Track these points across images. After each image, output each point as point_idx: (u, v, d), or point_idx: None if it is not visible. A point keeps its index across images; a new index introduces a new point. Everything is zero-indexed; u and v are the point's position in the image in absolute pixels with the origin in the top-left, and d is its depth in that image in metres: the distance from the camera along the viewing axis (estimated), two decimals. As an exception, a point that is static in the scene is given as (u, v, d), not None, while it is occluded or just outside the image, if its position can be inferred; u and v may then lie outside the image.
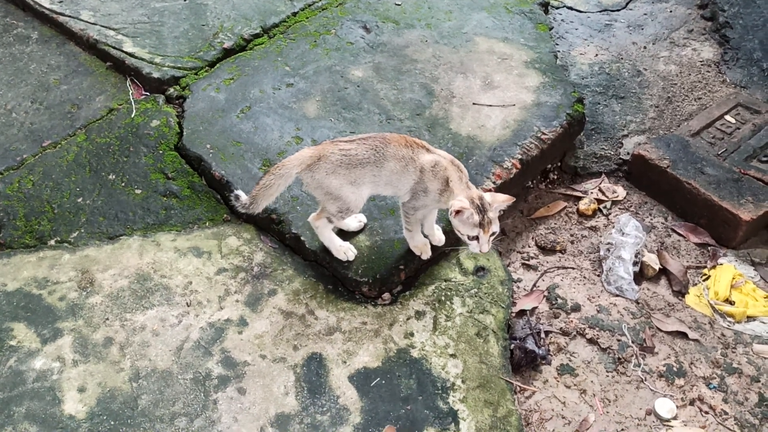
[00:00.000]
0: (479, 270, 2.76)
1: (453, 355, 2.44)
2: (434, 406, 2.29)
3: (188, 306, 2.52)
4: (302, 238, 2.68)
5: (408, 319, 2.54)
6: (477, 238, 2.29)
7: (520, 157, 2.98)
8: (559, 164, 3.36)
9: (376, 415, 2.25)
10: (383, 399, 2.29)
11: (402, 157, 2.36)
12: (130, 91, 3.37)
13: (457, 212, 2.25)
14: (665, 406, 2.46)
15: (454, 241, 2.71)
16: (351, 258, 2.60)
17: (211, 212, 2.88)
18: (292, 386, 2.31)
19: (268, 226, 2.78)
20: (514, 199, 2.35)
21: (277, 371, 2.35)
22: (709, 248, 3.03)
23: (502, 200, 2.31)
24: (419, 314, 2.55)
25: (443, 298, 2.62)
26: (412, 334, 2.49)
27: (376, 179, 2.41)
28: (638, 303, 2.81)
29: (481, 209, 2.25)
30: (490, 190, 2.85)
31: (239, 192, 2.52)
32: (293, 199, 2.78)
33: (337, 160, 2.36)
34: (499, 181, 2.89)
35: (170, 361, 2.36)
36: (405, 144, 2.37)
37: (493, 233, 2.30)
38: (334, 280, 2.65)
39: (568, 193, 3.27)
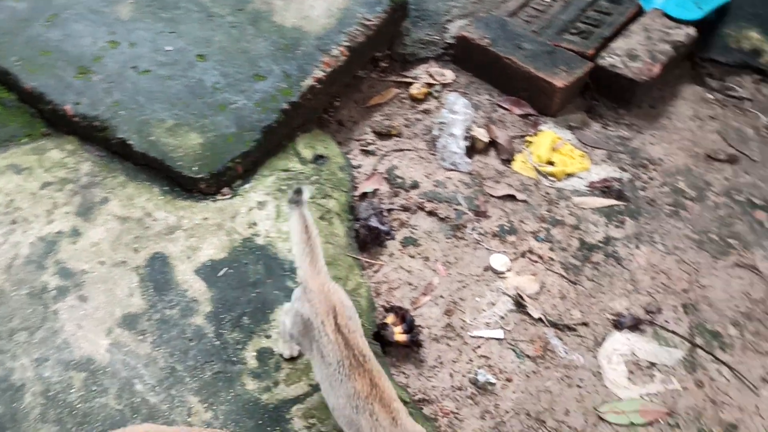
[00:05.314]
0: (318, 158, 2.80)
1: (298, 239, 2.48)
2: (284, 286, 2.34)
3: (14, 224, 2.38)
4: (129, 141, 2.57)
5: (250, 210, 2.54)
6: None
7: (347, 44, 3.00)
8: (388, 52, 3.41)
9: (227, 302, 2.27)
10: (232, 286, 2.31)
11: None
12: None
13: None
14: (500, 261, 2.66)
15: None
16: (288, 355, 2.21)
17: (27, 128, 2.69)
18: (137, 287, 2.26)
19: (91, 134, 2.64)
20: None
21: (119, 275, 2.29)
22: (531, 118, 3.24)
23: None
24: (261, 204, 2.56)
25: (284, 187, 2.64)
26: (255, 224, 2.50)
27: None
28: (471, 174, 2.97)
29: None
30: (320, 79, 2.86)
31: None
32: (115, 104, 2.65)
33: None
34: (328, 69, 2.90)
35: (0, 279, 2.24)
36: None
37: None
38: (169, 180, 2.58)
39: (400, 79, 3.35)
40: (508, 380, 2.33)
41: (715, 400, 2.36)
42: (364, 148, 3.03)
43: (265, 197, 2.59)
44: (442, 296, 2.54)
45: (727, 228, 2.90)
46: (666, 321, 2.56)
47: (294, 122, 2.81)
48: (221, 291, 2.30)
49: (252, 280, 2.33)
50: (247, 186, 2.62)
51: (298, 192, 2.00)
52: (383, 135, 3.10)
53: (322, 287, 1.91)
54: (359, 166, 2.94)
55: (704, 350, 2.48)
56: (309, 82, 2.84)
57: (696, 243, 2.83)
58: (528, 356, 2.40)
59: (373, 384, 1.75)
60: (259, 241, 2.45)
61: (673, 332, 2.52)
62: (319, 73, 2.87)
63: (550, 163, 3.03)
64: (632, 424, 2.26)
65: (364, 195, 2.81)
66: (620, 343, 2.48)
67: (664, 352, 2.47)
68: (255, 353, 2.17)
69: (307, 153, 2.79)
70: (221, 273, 2.34)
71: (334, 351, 1.80)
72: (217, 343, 2.18)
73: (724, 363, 2.46)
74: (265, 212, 2.54)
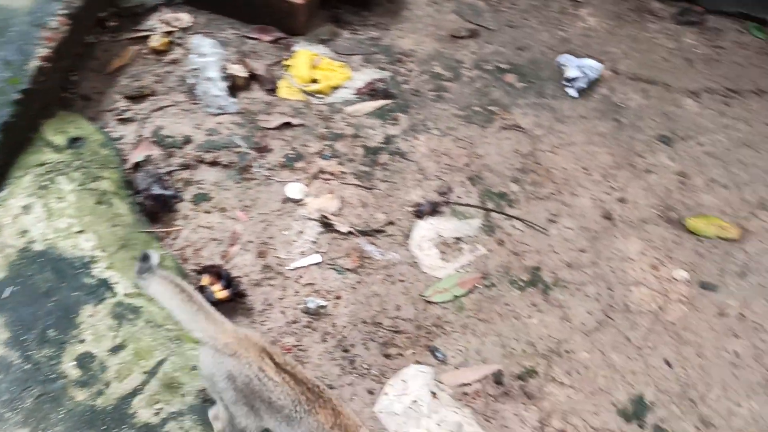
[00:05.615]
0: (73, 141, 2.57)
1: (81, 232, 2.29)
2: (82, 284, 2.17)
3: None
4: None
5: (16, 217, 2.28)
6: None
7: (64, 12, 2.71)
8: (114, 10, 3.14)
9: (24, 322, 2.06)
10: (24, 304, 2.10)
11: None
12: None
13: None
14: (295, 190, 2.66)
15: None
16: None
17: None
18: None
19: None
20: None
21: None
22: (282, 41, 3.20)
23: None
24: (26, 208, 2.31)
25: (46, 182, 2.40)
26: (27, 231, 2.26)
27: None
28: (241, 113, 2.89)
29: None
30: (47, 57, 2.58)
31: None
32: None
33: None
34: (52, 44, 2.62)
35: None
36: None
37: None
38: None
39: (135, 35, 3.12)
40: (338, 298, 2.39)
41: (516, 251, 2.61)
42: (120, 116, 2.81)
43: (29, 199, 2.34)
44: (250, 241, 2.50)
45: (486, 97, 3.14)
46: (458, 197, 2.74)
47: (32, 111, 2.53)
48: (13, 312, 2.08)
49: (44, 290, 2.13)
50: (2, 194, 2.35)
51: (145, 258, 1.79)
52: (136, 98, 2.89)
53: (235, 334, 1.75)
54: (121, 138, 2.74)
55: (496, 212, 2.71)
56: (35, 63, 2.55)
57: (464, 119, 3.03)
58: (348, 270, 2.46)
59: (336, 413, 1.69)
60: (38, 247, 2.23)
61: (467, 205, 2.72)
62: (44, 51, 2.59)
63: (314, 81, 3.04)
64: (455, 297, 2.44)
65: (137, 165, 2.64)
66: (425, 229, 2.62)
67: (464, 225, 2.66)
68: (74, 362, 2.01)
69: (60, 139, 2.54)
70: (6, 294, 2.11)
71: (285, 392, 1.68)
72: (29, 366, 1.99)
73: (514, 217, 2.71)
74: (33, 215, 2.30)
